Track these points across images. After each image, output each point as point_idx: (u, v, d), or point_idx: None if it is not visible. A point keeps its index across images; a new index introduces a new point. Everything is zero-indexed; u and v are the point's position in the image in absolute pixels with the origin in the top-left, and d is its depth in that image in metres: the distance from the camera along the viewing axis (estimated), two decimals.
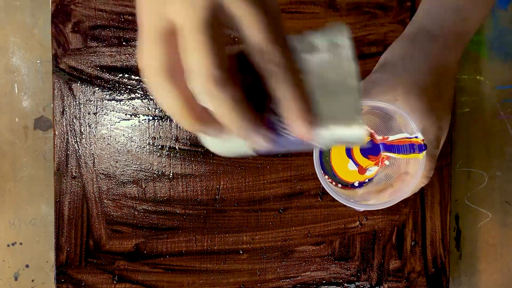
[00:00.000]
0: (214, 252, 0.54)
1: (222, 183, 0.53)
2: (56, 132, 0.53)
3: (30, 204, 0.56)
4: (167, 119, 0.53)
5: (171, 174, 0.53)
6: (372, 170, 0.45)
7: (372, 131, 0.45)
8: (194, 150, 0.53)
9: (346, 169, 0.45)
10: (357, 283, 0.54)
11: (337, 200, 0.54)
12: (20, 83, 0.56)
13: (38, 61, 0.56)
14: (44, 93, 0.56)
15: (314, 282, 0.54)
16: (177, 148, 0.53)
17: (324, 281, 0.54)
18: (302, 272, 0.54)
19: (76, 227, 0.53)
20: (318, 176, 0.39)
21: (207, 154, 0.53)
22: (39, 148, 0.56)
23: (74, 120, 0.53)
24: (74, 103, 0.53)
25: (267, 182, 0.53)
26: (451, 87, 0.41)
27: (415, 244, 0.54)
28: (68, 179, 0.53)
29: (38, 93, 0.56)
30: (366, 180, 0.45)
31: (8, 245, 0.56)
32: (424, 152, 0.39)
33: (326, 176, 0.45)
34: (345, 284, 0.54)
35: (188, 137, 0.53)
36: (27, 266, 0.56)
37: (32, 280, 0.56)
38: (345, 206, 0.54)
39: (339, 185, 0.46)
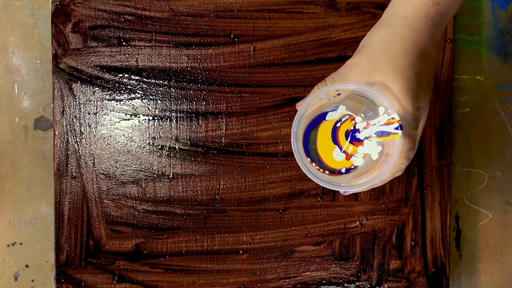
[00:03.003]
0: (214, 252, 0.54)
1: (222, 183, 0.53)
2: (56, 132, 0.53)
3: (30, 204, 0.56)
4: (167, 119, 0.53)
5: (171, 174, 0.53)
6: (358, 156, 0.46)
7: (356, 115, 0.46)
8: (194, 150, 0.53)
9: (332, 156, 0.46)
10: (357, 283, 0.54)
11: (337, 200, 0.54)
12: (20, 83, 0.56)
13: (38, 61, 0.56)
14: (44, 93, 0.56)
15: (314, 282, 0.54)
16: (177, 148, 0.53)
17: (324, 281, 0.54)
18: (302, 272, 0.54)
19: (76, 227, 0.53)
20: (298, 161, 0.40)
21: (207, 154, 0.53)
22: (39, 148, 0.56)
23: (74, 120, 0.53)
24: (74, 103, 0.53)
25: (267, 182, 0.53)
26: (429, 69, 0.42)
27: (415, 244, 0.54)
28: (68, 179, 0.53)
29: (38, 93, 0.56)
30: (352, 166, 0.46)
31: (8, 245, 0.56)
32: (400, 132, 0.40)
33: (314, 164, 0.46)
34: (345, 284, 0.54)
35: (188, 137, 0.53)
36: (27, 266, 0.56)
37: (32, 280, 0.56)
38: (345, 206, 0.54)
39: (327, 172, 0.46)
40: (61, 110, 0.53)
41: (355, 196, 0.54)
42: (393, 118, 0.41)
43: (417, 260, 0.54)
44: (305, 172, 0.41)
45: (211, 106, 0.53)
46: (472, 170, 0.58)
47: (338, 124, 0.46)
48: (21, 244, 0.56)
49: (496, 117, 0.57)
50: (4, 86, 0.56)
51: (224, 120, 0.53)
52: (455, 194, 0.57)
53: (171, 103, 0.53)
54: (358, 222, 0.54)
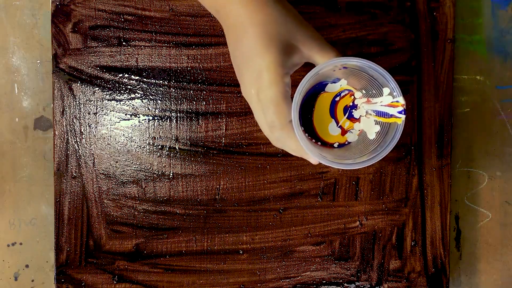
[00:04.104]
0: (214, 252, 0.54)
1: (222, 183, 0.53)
2: (56, 132, 0.53)
3: (30, 204, 0.56)
4: (167, 119, 0.53)
5: (171, 174, 0.53)
6: (353, 133, 0.45)
7: (356, 91, 0.45)
8: (194, 150, 0.53)
9: (327, 129, 0.45)
10: (357, 283, 0.54)
11: (337, 200, 0.54)
12: (20, 83, 0.56)
13: (38, 61, 0.56)
14: (44, 93, 0.56)
15: (314, 282, 0.54)
16: (177, 148, 0.53)
17: (324, 281, 0.54)
18: (302, 272, 0.54)
19: (76, 227, 0.53)
20: (295, 129, 0.39)
21: (207, 154, 0.53)
22: (39, 148, 0.56)
23: (74, 120, 0.53)
24: (74, 103, 0.53)
25: (267, 182, 0.53)
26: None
27: (415, 244, 0.54)
28: (68, 179, 0.53)
29: (38, 93, 0.56)
30: (346, 142, 0.45)
31: (8, 245, 0.56)
32: (404, 116, 0.39)
33: (306, 134, 0.45)
34: (345, 284, 0.54)
35: (188, 137, 0.53)
36: (27, 266, 0.56)
37: (32, 280, 0.56)
38: (345, 206, 0.54)
39: (319, 143, 0.45)
40: (61, 110, 0.53)
41: (355, 196, 0.54)
42: (397, 102, 0.39)
43: (417, 260, 0.54)
44: (301, 143, 0.39)
45: (211, 106, 0.53)
46: (472, 170, 0.58)
47: (337, 98, 0.45)
48: (21, 244, 0.56)
49: (496, 117, 0.57)
50: (4, 86, 0.56)
51: (224, 120, 0.53)
52: (455, 194, 0.57)
53: (171, 103, 0.53)
54: (358, 222, 0.54)
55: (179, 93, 0.53)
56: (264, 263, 0.54)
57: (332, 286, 0.54)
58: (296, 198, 0.54)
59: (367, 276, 0.54)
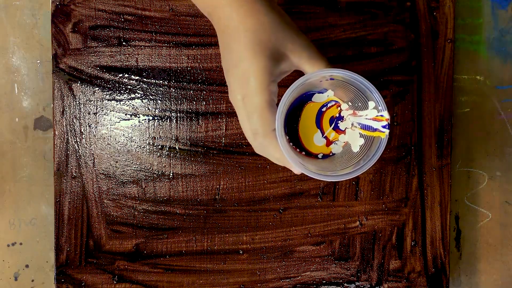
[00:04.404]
0: (214, 252, 0.54)
1: (222, 183, 0.53)
2: (56, 132, 0.53)
3: (30, 204, 0.56)
4: (167, 119, 0.53)
5: (171, 174, 0.53)
6: (338, 144, 0.45)
7: (342, 102, 0.45)
8: (194, 150, 0.53)
9: (312, 139, 0.46)
10: (357, 283, 0.54)
11: (337, 200, 0.54)
12: (20, 83, 0.56)
13: (38, 61, 0.56)
14: (44, 93, 0.56)
15: (314, 282, 0.54)
16: (177, 148, 0.53)
17: (324, 281, 0.54)
18: (302, 272, 0.54)
19: (76, 227, 0.53)
20: (278, 138, 0.39)
21: (207, 154, 0.53)
22: (39, 148, 0.56)
23: (74, 120, 0.53)
24: (74, 103, 0.53)
25: (267, 182, 0.53)
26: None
27: (415, 244, 0.54)
28: (68, 179, 0.53)
29: (38, 93, 0.56)
30: (331, 154, 0.46)
31: (8, 245, 0.56)
32: (387, 131, 0.39)
33: (291, 143, 0.45)
34: (345, 284, 0.54)
35: (188, 137, 0.53)
36: (27, 266, 0.56)
37: (32, 280, 0.56)
38: (345, 206, 0.54)
39: (303, 153, 0.46)
40: (61, 110, 0.53)
41: (355, 196, 0.54)
42: (382, 116, 0.40)
43: (417, 260, 0.54)
44: (284, 152, 0.39)
45: (211, 106, 0.53)
46: (472, 170, 0.58)
47: (324, 109, 0.45)
48: (21, 244, 0.56)
49: (496, 117, 0.57)
50: (4, 86, 0.56)
51: (224, 120, 0.53)
52: (455, 194, 0.57)
53: (171, 103, 0.53)
54: (358, 222, 0.54)
55: (179, 93, 0.53)
56: (264, 263, 0.54)
57: (332, 286, 0.54)
58: (296, 198, 0.54)
59: (367, 276, 0.54)
